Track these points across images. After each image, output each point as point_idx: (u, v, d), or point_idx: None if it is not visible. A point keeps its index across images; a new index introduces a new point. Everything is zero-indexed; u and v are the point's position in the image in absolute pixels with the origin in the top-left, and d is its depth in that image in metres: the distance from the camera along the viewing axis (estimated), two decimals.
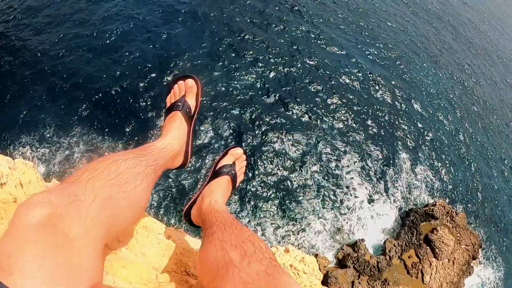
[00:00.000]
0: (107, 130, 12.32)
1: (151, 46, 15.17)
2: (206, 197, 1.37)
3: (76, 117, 12.28)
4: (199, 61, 15.27)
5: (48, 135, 11.74)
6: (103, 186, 0.86)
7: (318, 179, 14.00)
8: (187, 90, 1.56)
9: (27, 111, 12.02)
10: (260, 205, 12.57)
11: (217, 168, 1.52)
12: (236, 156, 1.56)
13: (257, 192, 12.76)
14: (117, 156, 0.99)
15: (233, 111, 14.29)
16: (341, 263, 12.57)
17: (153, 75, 14.14)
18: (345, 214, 13.78)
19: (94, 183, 0.85)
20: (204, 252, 0.96)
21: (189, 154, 1.52)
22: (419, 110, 19.35)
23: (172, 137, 1.42)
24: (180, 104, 1.51)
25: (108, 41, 14.81)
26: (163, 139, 1.40)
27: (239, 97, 14.84)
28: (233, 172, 1.51)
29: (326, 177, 14.19)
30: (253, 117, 14.40)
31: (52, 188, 0.80)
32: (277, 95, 15.57)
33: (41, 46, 13.99)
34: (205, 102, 13.98)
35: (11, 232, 0.67)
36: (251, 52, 16.78)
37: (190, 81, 1.56)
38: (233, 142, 13.24)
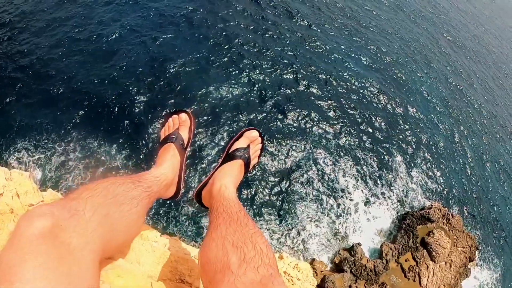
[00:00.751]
0: (102, 135, 12.28)
1: (146, 51, 15.18)
2: (216, 181, 1.38)
3: (71, 122, 12.23)
4: (194, 66, 15.30)
5: (44, 140, 11.67)
6: (101, 204, 0.91)
7: (314, 183, 14.02)
8: (180, 124, 1.62)
9: (22, 116, 11.95)
10: (256, 210, 12.55)
11: (230, 150, 1.53)
12: (251, 139, 1.57)
13: (253, 197, 12.75)
14: (115, 180, 1.05)
15: (228, 116, 14.31)
16: (338, 268, 12.56)
17: (149, 79, 14.14)
18: (341, 218, 13.79)
19: (93, 200, 0.89)
20: (206, 248, 0.98)
21: (181, 184, 1.56)
22: (414, 113, 19.49)
23: (166, 167, 1.46)
24: (174, 136, 1.57)
25: (104, 46, 14.80)
26: (157, 168, 1.45)
27: (234, 102, 14.87)
28: (246, 156, 1.51)
29: (322, 181, 14.21)
30: (248, 122, 14.42)
31: (53, 202, 0.84)
32: (273, 100, 15.62)
33: (37, 50, 13.95)
34: (201, 106, 14.00)
35: (13, 242, 0.69)
36: (246, 58, 16.84)
37: (183, 115, 1.63)
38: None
